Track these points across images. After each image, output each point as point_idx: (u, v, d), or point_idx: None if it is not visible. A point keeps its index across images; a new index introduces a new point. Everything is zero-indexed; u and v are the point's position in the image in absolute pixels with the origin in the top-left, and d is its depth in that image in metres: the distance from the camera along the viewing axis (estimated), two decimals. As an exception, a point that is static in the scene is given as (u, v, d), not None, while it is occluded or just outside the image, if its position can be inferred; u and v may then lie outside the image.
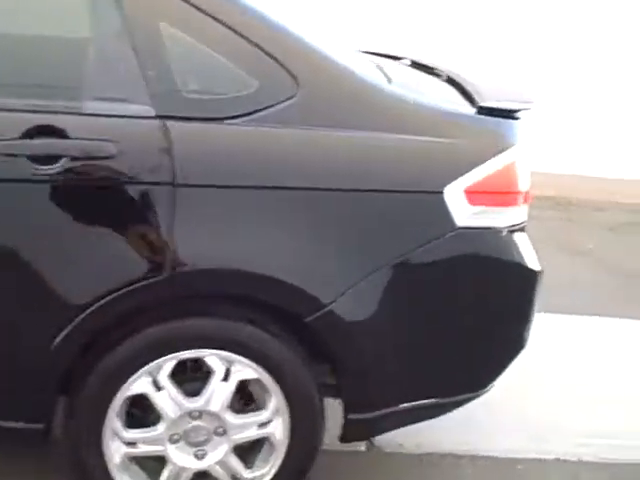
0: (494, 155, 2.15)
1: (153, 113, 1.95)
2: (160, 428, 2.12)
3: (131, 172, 1.95)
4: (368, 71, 2.28)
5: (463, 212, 2.12)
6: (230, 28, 2.01)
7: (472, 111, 2.22)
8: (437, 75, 2.57)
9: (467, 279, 2.22)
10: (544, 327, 2.80)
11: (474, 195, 2.12)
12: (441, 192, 2.10)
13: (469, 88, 2.35)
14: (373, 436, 2.38)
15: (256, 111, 2.01)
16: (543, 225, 4.83)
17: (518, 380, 2.65)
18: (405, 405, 2.27)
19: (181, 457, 2.16)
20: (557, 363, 3.31)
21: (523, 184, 2.22)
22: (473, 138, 2.19)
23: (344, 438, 2.28)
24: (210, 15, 1.99)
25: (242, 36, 2.01)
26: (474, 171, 2.12)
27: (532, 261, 2.27)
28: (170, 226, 1.96)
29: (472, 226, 2.14)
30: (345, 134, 2.07)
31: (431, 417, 2.40)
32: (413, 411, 2.30)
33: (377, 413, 2.24)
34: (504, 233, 2.19)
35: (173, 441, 2.14)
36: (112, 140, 1.92)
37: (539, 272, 2.28)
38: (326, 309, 2.07)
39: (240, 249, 2.02)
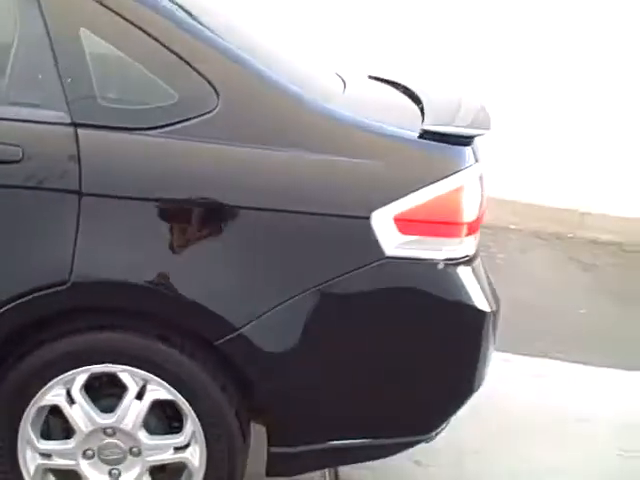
0: (432, 182, 1.99)
1: (68, 120, 1.94)
2: (72, 442, 2.08)
3: (38, 177, 1.93)
4: (308, 87, 2.15)
5: (392, 240, 1.97)
6: (151, 37, 1.95)
7: (415, 134, 2.05)
8: (407, 95, 2.41)
9: (395, 313, 2.05)
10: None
11: (406, 223, 1.97)
12: (368, 218, 1.96)
13: (427, 108, 2.19)
14: (299, 473, 2.23)
15: (174, 123, 1.94)
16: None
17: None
18: (334, 443, 2.13)
19: (94, 474, 2.11)
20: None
21: (468, 214, 2.04)
22: (410, 162, 2.05)
23: (267, 472, 2.16)
24: (132, 23, 1.95)
25: (164, 45, 1.95)
26: (407, 197, 1.97)
27: (479, 299, 2.08)
28: (74, 235, 1.92)
29: (403, 256, 1.99)
30: (266, 152, 1.97)
31: (372, 458, 2.24)
32: (345, 450, 2.16)
33: (301, 449, 2.11)
34: (441, 266, 2.02)
35: (87, 457, 2.10)
36: (20, 145, 1.91)
37: (486, 312, 2.09)
38: (236, 333, 1.97)
39: (143, 263, 1.96)
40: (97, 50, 1.99)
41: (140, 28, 1.95)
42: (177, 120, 1.94)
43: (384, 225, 1.96)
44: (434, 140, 2.03)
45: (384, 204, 1.96)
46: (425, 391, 2.13)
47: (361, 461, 2.24)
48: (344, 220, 1.98)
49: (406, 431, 2.18)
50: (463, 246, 2.06)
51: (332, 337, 2.04)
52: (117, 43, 1.98)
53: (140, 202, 1.95)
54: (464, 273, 2.06)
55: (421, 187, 1.98)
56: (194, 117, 1.94)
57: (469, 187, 2.04)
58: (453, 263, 2.04)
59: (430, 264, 2.01)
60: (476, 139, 2.10)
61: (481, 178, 2.10)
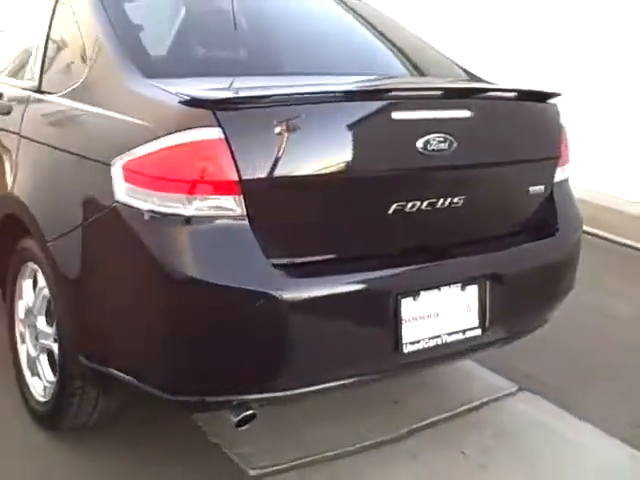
0: (157, 137, 2.05)
1: None
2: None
3: None
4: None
5: (120, 187, 2.11)
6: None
7: (173, 97, 2.13)
8: None
9: (116, 256, 2.17)
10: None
11: (129, 173, 2.09)
12: (109, 164, 2.15)
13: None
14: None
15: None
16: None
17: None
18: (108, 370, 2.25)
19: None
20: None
21: (190, 173, 2.02)
22: (153, 120, 2.14)
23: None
24: None
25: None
26: (135, 149, 2.09)
27: (183, 261, 2.01)
28: None
29: (125, 203, 2.09)
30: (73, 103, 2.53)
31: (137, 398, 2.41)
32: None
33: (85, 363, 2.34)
34: (146, 217, 2.04)
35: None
36: None
37: (189, 277, 2.00)
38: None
39: None
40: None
41: None
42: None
43: (117, 172, 2.12)
44: (185, 103, 2.08)
45: (119, 154, 2.12)
46: (143, 338, 2.16)
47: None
48: (98, 165, 2.21)
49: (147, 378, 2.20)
50: (183, 204, 2.02)
51: (82, 272, 2.29)
52: None
53: None
54: (177, 232, 2.02)
55: (148, 141, 2.07)
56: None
57: (195, 146, 2.02)
58: (167, 219, 2.02)
59: (139, 213, 2.05)
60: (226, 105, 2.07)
61: (227, 141, 2.01)
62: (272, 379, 2.17)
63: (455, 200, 2.38)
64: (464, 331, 2.43)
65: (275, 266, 2.08)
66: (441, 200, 2.34)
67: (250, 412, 2.21)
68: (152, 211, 2.02)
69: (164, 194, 2.01)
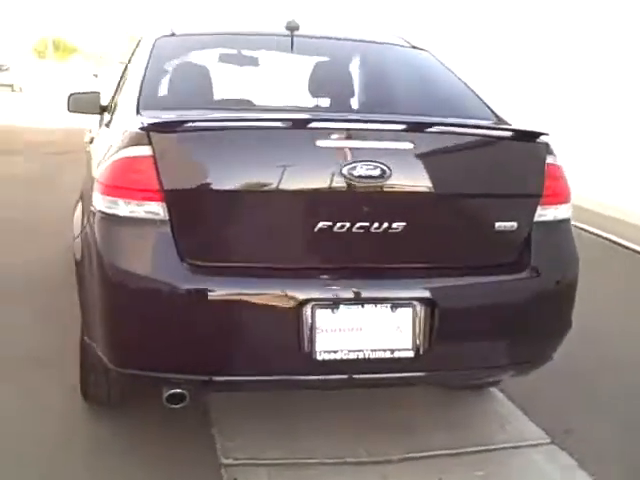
0: (114, 153, 2.53)
1: None
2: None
3: None
4: None
5: (95, 195, 2.56)
6: None
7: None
8: None
9: (86, 248, 2.65)
10: None
11: (97, 183, 2.57)
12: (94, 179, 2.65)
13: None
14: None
15: None
16: None
17: None
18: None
19: None
20: None
21: (127, 181, 2.43)
22: (119, 140, 2.60)
23: None
24: None
25: None
26: (103, 163, 2.59)
27: (119, 254, 2.46)
28: None
29: (94, 206, 2.56)
30: None
31: None
32: None
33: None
34: (97, 217, 2.52)
35: None
36: None
37: (116, 265, 2.44)
38: None
39: None
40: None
41: None
42: None
43: (95, 183, 2.59)
44: (139, 127, 2.50)
45: (97, 170, 2.64)
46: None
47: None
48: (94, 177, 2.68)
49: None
50: (120, 207, 2.44)
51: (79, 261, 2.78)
52: None
53: None
54: (114, 228, 2.47)
55: (110, 157, 2.55)
56: None
57: (130, 160, 2.44)
58: (109, 218, 2.47)
59: (97, 214, 2.53)
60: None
61: (154, 157, 2.39)
62: (185, 362, 2.50)
63: (394, 226, 2.48)
64: (392, 351, 2.49)
65: (187, 263, 2.43)
66: (376, 224, 2.47)
67: (178, 391, 2.54)
68: (101, 211, 2.51)
69: (109, 197, 2.48)
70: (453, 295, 2.57)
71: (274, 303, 2.46)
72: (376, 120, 2.77)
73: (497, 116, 3.11)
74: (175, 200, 2.42)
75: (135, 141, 2.48)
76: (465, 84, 3.33)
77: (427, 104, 3.21)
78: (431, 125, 2.69)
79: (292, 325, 2.45)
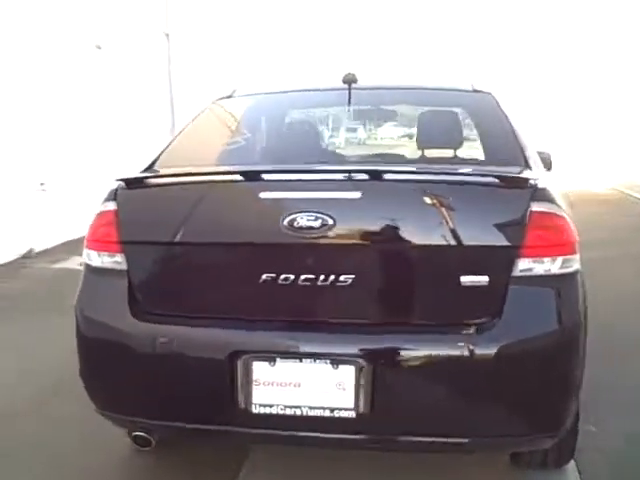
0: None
1: None
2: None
3: None
4: None
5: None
6: None
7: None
8: None
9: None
10: None
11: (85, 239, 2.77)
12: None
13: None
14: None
15: None
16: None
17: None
18: None
19: None
20: None
21: (96, 234, 2.67)
22: None
23: None
24: None
25: None
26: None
27: (85, 301, 2.68)
28: None
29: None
30: None
31: None
32: None
33: None
34: (81, 267, 2.77)
35: None
36: None
37: (82, 311, 2.67)
38: None
39: None
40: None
41: None
42: None
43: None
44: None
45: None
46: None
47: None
48: None
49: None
50: (92, 257, 2.68)
51: None
52: None
53: None
54: (86, 277, 2.72)
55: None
56: None
57: (100, 215, 2.65)
58: (86, 268, 2.71)
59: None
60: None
61: (117, 212, 2.61)
62: (134, 404, 2.61)
63: (341, 278, 2.43)
64: (332, 409, 2.40)
65: (137, 312, 2.55)
66: (322, 276, 2.43)
67: (140, 434, 2.70)
68: (83, 262, 2.75)
69: (87, 249, 2.71)
70: (403, 354, 2.41)
71: (211, 353, 2.49)
72: (320, 170, 2.78)
73: (527, 163, 2.79)
74: (131, 251, 2.59)
75: (107, 197, 2.69)
76: (512, 129, 3.02)
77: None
78: (382, 173, 2.61)
79: (228, 376, 2.44)
